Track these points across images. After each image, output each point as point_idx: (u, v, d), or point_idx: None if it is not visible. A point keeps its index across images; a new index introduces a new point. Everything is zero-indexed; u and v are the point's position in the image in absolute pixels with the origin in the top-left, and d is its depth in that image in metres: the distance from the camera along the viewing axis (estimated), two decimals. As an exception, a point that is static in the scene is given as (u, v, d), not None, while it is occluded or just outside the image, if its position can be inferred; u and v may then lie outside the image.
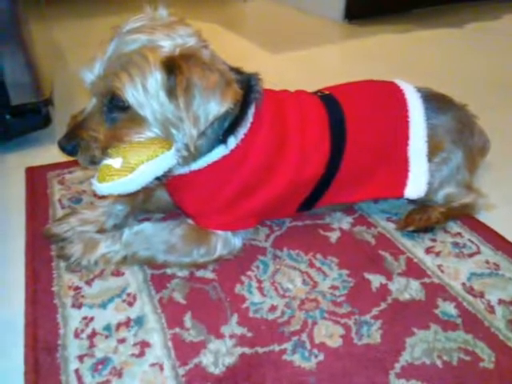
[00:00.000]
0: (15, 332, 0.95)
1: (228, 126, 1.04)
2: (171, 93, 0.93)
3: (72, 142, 0.98)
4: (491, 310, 0.98)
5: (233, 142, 1.04)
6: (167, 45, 0.94)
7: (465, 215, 1.24)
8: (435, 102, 1.23)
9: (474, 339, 0.91)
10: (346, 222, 1.25)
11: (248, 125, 1.05)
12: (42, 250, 1.15)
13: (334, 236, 1.20)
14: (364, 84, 1.26)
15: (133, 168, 0.96)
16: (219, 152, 1.04)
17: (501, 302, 0.99)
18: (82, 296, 1.02)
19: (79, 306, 1.00)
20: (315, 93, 1.23)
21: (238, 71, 1.07)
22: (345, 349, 0.89)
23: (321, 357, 0.88)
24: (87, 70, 0.97)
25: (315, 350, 0.89)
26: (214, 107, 0.92)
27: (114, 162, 0.97)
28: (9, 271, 1.12)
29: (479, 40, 2.84)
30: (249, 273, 1.08)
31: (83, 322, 0.96)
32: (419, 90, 1.23)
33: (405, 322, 0.95)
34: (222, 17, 3.55)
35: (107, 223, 1.19)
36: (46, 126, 1.64)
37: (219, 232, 1.09)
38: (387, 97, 1.21)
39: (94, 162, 0.99)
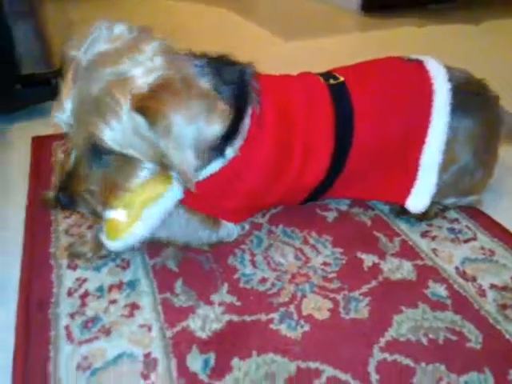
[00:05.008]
0: (10, 289, 0.97)
1: (224, 135, 0.93)
2: (153, 128, 0.83)
3: (67, 196, 0.90)
4: (482, 293, 0.97)
5: (231, 152, 0.98)
6: (137, 73, 0.82)
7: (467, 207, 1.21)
8: (464, 95, 1.06)
9: (463, 320, 0.91)
10: (343, 203, 1.25)
11: (246, 131, 0.98)
12: (42, 214, 1.17)
13: (330, 216, 1.20)
14: (386, 68, 1.12)
15: (138, 215, 0.93)
16: (217, 164, 0.99)
17: (492, 286, 0.99)
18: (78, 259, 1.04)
19: (74, 268, 1.02)
20: (326, 76, 1.12)
21: (227, 62, 0.99)
22: (331, 321, 0.90)
23: (307, 327, 0.89)
24: (59, 116, 0.86)
25: (302, 321, 0.90)
26: (204, 134, 0.84)
27: (118, 214, 0.93)
28: (9, 232, 1.14)
29: (494, 37, 2.80)
30: (242, 246, 1.09)
31: (77, 282, 0.98)
32: (452, 75, 1.07)
33: (394, 299, 0.95)
34: (237, 3, 3.54)
35: None
36: (55, 97, 1.66)
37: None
38: (410, 88, 1.07)
39: (96, 214, 0.93)
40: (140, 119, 0.82)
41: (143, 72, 0.83)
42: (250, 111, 0.98)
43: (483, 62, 2.37)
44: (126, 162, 0.88)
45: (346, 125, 1.05)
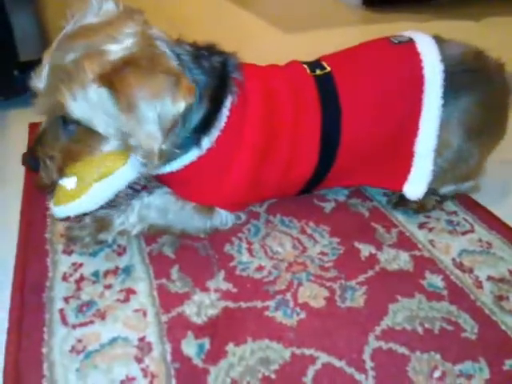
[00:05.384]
0: (5, 273, 0.96)
1: (198, 125, 0.95)
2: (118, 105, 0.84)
3: (32, 158, 0.93)
4: (479, 285, 0.97)
5: (207, 142, 0.97)
6: (109, 49, 0.84)
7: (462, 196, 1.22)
8: (458, 75, 1.02)
9: (459, 310, 0.91)
10: (341, 194, 1.24)
11: (223, 121, 0.97)
12: (39, 197, 1.17)
13: (328, 206, 1.20)
14: (375, 54, 1.09)
15: (86, 188, 0.93)
16: (193, 154, 0.97)
17: (489, 278, 0.99)
18: (74, 244, 1.03)
19: (70, 253, 1.02)
20: (313, 66, 1.08)
21: (210, 51, 0.97)
22: (327, 310, 0.90)
23: (302, 315, 0.88)
24: (35, 81, 0.88)
25: (298, 309, 0.90)
26: (167, 112, 0.82)
27: (68, 182, 0.93)
28: (5, 216, 1.13)
29: (494, 34, 2.79)
30: (239, 234, 1.09)
31: (72, 267, 0.98)
32: (445, 54, 1.03)
33: (390, 289, 0.95)
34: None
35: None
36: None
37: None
38: (400, 76, 1.03)
39: (52, 181, 0.95)
40: (106, 94, 0.83)
41: (116, 49, 0.84)
42: (228, 103, 0.97)
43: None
44: (90, 135, 0.90)
45: (333, 120, 1.03)
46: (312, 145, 1.05)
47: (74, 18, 0.90)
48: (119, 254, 1.01)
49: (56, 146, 0.92)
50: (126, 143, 0.88)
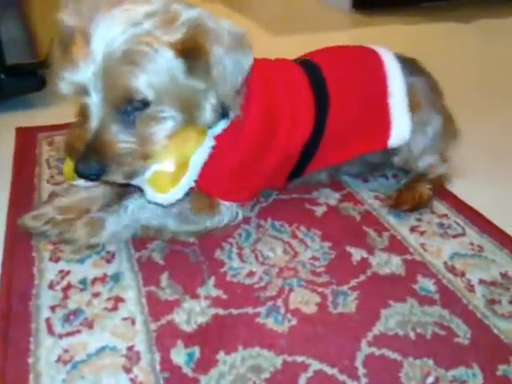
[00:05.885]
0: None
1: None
2: (191, 73, 0.87)
3: (94, 164, 0.86)
4: (471, 288, 0.97)
5: (232, 114, 0.99)
6: (160, 22, 0.84)
7: (440, 186, 1.25)
8: (409, 63, 1.23)
9: (451, 315, 0.90)
10: (333, 198, 1.24)
11: (242, 95, 1.01)
12: (26, 205, 1.15)
13: (319, 210, 1.19)
14: (339, 48, 1.27)
15: (186, 163, 0.93)
16: (220, 126, 1.01)
17: (481, 281, 0.98)
18: (61, 251, 1.02)
19: (57, 260, 0.99)
20: (297, 59, 1.22)
21: None
22: (319, 316, 0.89)
23: (294, 321, 0.87)
24: (76, 77, 0.83)
25: (289, 315, 0.88)
26: (245, 62, 0.90)
27: (165, 165, 0.91)
28: (-10, 223, 1.11)
29: (485, 36, 2.81)
30: (230, 239, 1.08)
31: (59, 275, 0.96)
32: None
33: (382, 294, 0.94)
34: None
35: (92, 207, 1.08)
36: (41, 88, 1.63)
37: (225, 202, 1.08)
38: (363, 57, 1.22)
39: (132, 176, 0.91)
40: (178, 64, 0.85)
41: (166, 19, 0.84)
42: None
43: (474, 60, 2.39)
44: (159, 119, 0.88)
45: (321, 87, 1.13)
46: (308, 108, 1.12)
47: (83, 12, 0.85)
48: (107, 261, 1.00)
49: (128, 139, 0.87)
50: (191, 116, 0.91)
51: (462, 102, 1.45)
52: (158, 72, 0.83)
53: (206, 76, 0.88)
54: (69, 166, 1.00)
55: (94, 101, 0.85)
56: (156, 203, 0.98)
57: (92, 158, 0.86)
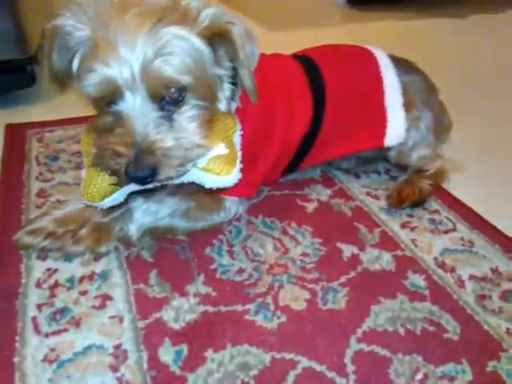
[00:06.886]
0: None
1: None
2: (215, 62, 0.91)
3: (148, 165, 0.83)
4: (461, 284, 0.96)
5: (233, 106, 1.02)
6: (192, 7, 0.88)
7: (439, 182, 1.24)
8: (402, 63, 1.27)
9: (440, 311, 0.90)
10: (324, 194, 1.23)
11: (241, 89, 1.02)
12: (15, 202, 1.14)
13: (310, 206, 1.18)
14: (335, 46, 1.29)
15: (234, 146, 0.94)
16: (233, 106, 1.02)
17: (472, 277, 0.98)
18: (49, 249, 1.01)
19: (44, 258, 0.98)
20: (293, 55, 1.24)
21: None
22: (308, 312, 0.88)
23: (283, 318, 0.87)
24: (119, 71, 0.81)
25: (278, 312, 0.88)
26: (257, 51, 0.95)
27: (219, 149, 0.91)
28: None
29: (480, 32, 2.81)
30: (220, 236, 1.07)
31: (46, 273, 0.95)
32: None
33: (372, 290, 0.94)
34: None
35: (94, 216, 1.01)
36: (31, 84, 1.61)
37: (228, 197, 1.07)
38: (358, 56, 1.25)
39: (184, 171, 0.89)
40: (206, 52, 0.88)
41: (184, 12, 0.87)
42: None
43: (469, 56, 2.38)
44: (187, 109, 0.88)
45: (319, 83, 1.16)
46: (306, 102, 1.14)
47: (90, 19, 0.86)
48: (96, 259, 0.99)
49: (170, 135, 0.86)
50: (215, 100, 0.95)
51: (455, 97, 1.45)
52: (190, 58, 0.85)
53: (226, 65, 0.94)
54: (97, 184, 0.91)
55: (133, 102, 0.84)
56: (219, 188, 0.94)
57: (145, 160, 0.83)
